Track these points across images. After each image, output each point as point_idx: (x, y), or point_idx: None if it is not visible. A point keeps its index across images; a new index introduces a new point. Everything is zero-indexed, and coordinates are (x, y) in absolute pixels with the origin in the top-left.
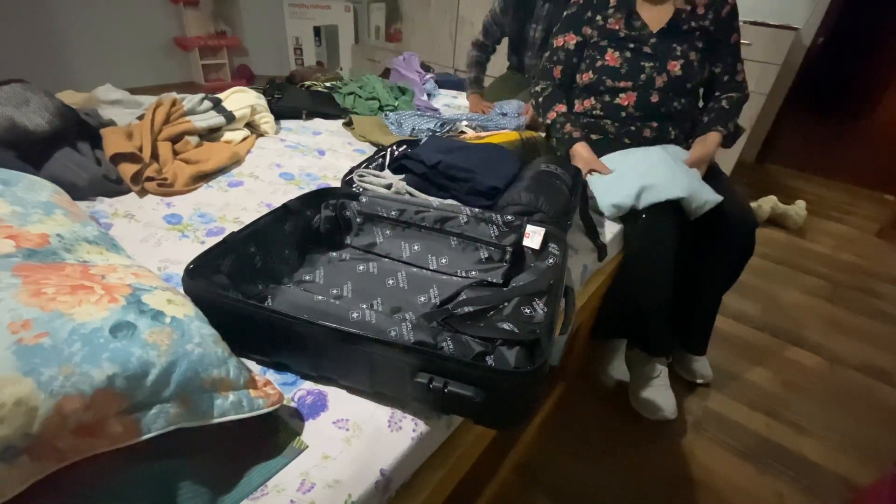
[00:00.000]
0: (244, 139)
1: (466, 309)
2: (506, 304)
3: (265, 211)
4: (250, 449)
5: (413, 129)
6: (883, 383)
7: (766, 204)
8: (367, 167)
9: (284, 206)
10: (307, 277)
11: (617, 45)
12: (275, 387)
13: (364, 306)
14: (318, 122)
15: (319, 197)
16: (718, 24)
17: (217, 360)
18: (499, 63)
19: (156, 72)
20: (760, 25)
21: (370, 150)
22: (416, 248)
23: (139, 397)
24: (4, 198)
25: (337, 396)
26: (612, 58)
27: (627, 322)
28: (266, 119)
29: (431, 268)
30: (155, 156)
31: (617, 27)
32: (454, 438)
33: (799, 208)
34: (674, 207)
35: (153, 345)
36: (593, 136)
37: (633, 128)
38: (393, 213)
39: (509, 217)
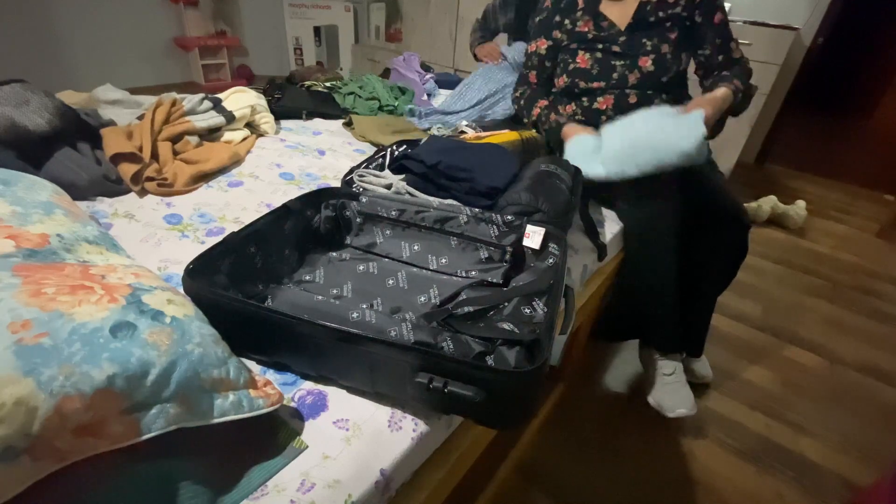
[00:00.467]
0: (244, 139)
1: (466, 309)
2: (506, 304)
3: (265, 211)
4: (250, 449)
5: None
6: (883, 383)
7: (766, 204)
8: (367, 167)
9: (284, 206)
10: (307, 277)
11: (587, 46)
12: (275, 387)
13: (364, 306)
14: (318, 122)
15: (319, 197)
16: (694, 8)
17: (217, 360)
18: None
19: (156, 72)
20: (760, 25)
21: (370, 150)
22: (416, 248)
23: (139, 397)
24: (4, 198)
25: (337, 396)
26: (582, 60)
27: (637, 322)
28: (266, 119)
29: (431, 268)
30: (155, 156)
31: (586, 29)
32: (454, 438)
33: (799, 208)
34: (671, 196)
35: (153, 345)
36: None
37: None
38: (393, 213)
39: (509, 217)
